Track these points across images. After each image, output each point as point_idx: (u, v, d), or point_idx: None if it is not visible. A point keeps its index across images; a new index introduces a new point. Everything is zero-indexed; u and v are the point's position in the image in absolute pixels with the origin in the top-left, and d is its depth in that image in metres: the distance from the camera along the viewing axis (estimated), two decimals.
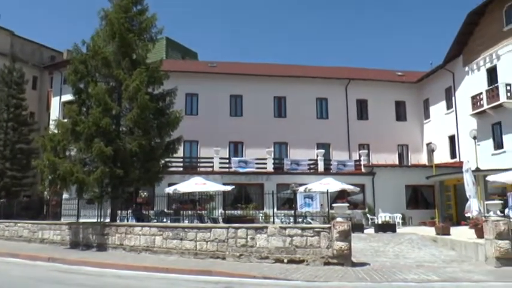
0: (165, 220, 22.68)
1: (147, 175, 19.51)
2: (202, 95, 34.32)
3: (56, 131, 19.42)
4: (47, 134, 20.52)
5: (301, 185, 24.68)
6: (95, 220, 21.54)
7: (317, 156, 31.32)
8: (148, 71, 19.41)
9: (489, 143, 28.26)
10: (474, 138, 26.79)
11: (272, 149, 32.30)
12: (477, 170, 24.11)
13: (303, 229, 13.94)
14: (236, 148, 34.26)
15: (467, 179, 19.41)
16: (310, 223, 21.81)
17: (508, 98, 26.64)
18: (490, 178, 20.52)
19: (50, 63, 41.74)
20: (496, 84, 27.60)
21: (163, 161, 21.00)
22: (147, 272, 12.78)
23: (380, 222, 24.39)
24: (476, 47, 30.12)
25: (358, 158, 32.28)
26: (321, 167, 30.74)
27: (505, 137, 27.15)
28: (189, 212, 24.23)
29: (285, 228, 14.07)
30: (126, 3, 20.19)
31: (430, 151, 31.43)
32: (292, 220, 21.80)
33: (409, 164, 34.95)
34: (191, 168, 31.31)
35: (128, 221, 21.14)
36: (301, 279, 11.26)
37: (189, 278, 11.76)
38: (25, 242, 21.59)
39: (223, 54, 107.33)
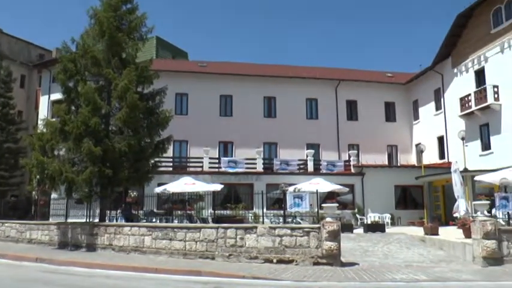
0: (154, 220, 22.57)
1: (136, 175, 19.42)
2: (192, 95, 34.23)
3: (44, 130, 19.26)
4: (36, 133, 20.36)
5: (290, 185, 24.70)
6: (84, 220, 21.37)
7: (307, 156, 31.42)
8: (138, 70, 19.32)
9: (477, 144, 28.55)
10: (462, 139, 27.03)
11: (262, 149, 32.30)
12: (465, 170, 24.34)
13: (292, 229, 13.98)
14: (226, 148, 34.24)
15: (456, 180, 19.56)
16: (299, 223, 21.82)
17: (495, 99, 26.98)
18: (477, 178, 20.71)
19: (38, 62, 41.35)
20: (483, 86, 27.91)
21: (152, 161, 20.94)
22: (136, 272, 12.72)
23: (369, 222, 24.53)
24: (465, 49, 30.42)
25: (347, 159, 32.36)
26: (310, 167, 30.84)
27: (492, 138, 27.45)
28: (179, 212, 24.15)
29: (274, 228, 14.10)
30: (116, 2, 20.09)
31: (419, 152, 31.65)
32: (281, 220, 21.79)
33: (398, 164, 35.15)
34: (181, 168, 31.23)
35: (117, 221, 20.97)
36: (291, 279, 11.29)
37: (178, 279, 11.73)
38: (12, 242, 21.34)
39: (214, 54, 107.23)
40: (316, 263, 13.21)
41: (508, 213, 17.47)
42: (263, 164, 30.93)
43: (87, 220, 21.37)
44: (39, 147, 18.72)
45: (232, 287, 10.71)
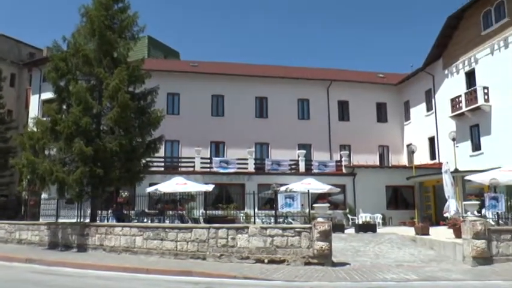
0: (145, 220, 22.48)
1: (127, 175, 19.34)
2: (184, 95, 34.15)
3: (35, 130, 19.12)
4: (26, 132, 20.18)
5: (282, 185, 24.72)
6: (75, 220, 21.24)
7: (298, 156, 31.49)
8: (129, 69, 19.27)
9: (467, 144, 28.74)
10: (453, 140, 27.19)
11: (253, 149, 32.29)
12: (456, 171, 24.48)
13: (283, 229, 14.00)
14: (217, 148, 34.19)
15: (446, 180, 19.69)
16: (291, 223, 21.88)
17: (485, 100, 27.17)
18: (468, 178, 20.84)
19: (29, 60, 40.92)
20: (474, 87, 28.10)
21: (144, 161, 20.88)
22: (127, 272, 12.67)
23: (360, 222, 24.63)
24: (456, 50, 30.61)
25: (339, 159, 32.47)
26: (302, 167, 30.90)
27: (482, 139, 27.64)
28: (170, 212, 24.08)
29: (265, 229, 14.11)
30: (107, 1, 20.03)
31: (410, 152, 31.82)
32: (273, 220, 21.81)
33: (390, 164, 35.34)
34: (172, 168, 31.15)
35: (108, 221, 20.90)
36: (282, 279, 11.31)
37: (169, 279, 11.70)
38: (1, 243, 21.15)
39: (206, 54, 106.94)
40: (307, 263, 13.24)
41: (497, 213, 17.59)
42: (255, 164, 30.93)
43: (78, 220, 21.25)
44: (29, 146, 18.59)
45: (223, 287, 10.70)
